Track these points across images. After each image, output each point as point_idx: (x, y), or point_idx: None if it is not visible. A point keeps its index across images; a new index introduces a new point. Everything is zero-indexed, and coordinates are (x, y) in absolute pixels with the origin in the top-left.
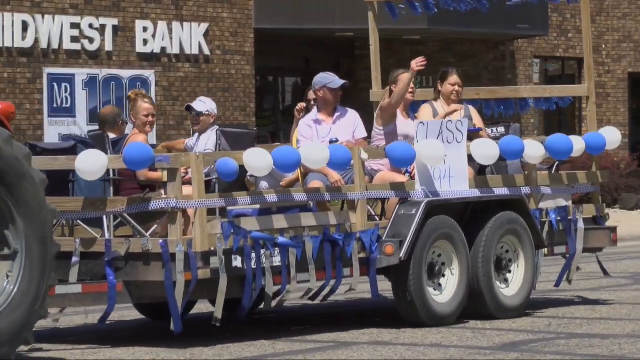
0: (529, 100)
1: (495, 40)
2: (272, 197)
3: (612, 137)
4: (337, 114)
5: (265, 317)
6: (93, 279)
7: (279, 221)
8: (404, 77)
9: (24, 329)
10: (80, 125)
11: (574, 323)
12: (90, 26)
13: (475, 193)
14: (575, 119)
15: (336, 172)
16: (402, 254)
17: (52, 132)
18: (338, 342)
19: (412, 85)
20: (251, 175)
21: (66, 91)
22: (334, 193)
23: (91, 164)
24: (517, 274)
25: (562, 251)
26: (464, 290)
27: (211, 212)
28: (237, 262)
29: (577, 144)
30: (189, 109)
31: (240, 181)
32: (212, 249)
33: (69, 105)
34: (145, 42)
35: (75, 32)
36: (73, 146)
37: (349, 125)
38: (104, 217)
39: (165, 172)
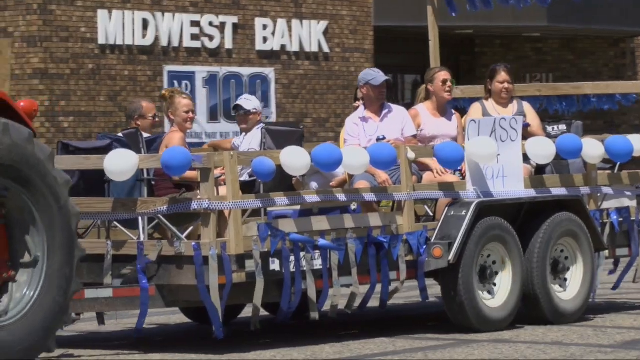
0: (591, 97)
1: (615, 37)
2: (312, 198)
3: None
4: (384, 111)
5: (384, 316)
6: (126, 282)
7: (320, 223)
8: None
9: (45, 336)
10: (201, 123)
11: None
12: (210, 24)
13: (530, 193)
14: None
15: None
16: (450, 256)
17: None
18: (458, 340)
19: (449, 84)
20: (302, 175)
21: (186, 88)
22: (379, 193)
23: (120, 164)
24: (575, 277)
25: (625, 253)
26: (518, 294)
27: (256, 213)
28: (274, 265)
29: (638, 144)
30: (237, 107)
31: (287, 181)
32: (249, 251)
33: None
34: (264, 39)
35: (196, 30)
36: (108, 145)
37: (397, 122)
38: (139, 218)
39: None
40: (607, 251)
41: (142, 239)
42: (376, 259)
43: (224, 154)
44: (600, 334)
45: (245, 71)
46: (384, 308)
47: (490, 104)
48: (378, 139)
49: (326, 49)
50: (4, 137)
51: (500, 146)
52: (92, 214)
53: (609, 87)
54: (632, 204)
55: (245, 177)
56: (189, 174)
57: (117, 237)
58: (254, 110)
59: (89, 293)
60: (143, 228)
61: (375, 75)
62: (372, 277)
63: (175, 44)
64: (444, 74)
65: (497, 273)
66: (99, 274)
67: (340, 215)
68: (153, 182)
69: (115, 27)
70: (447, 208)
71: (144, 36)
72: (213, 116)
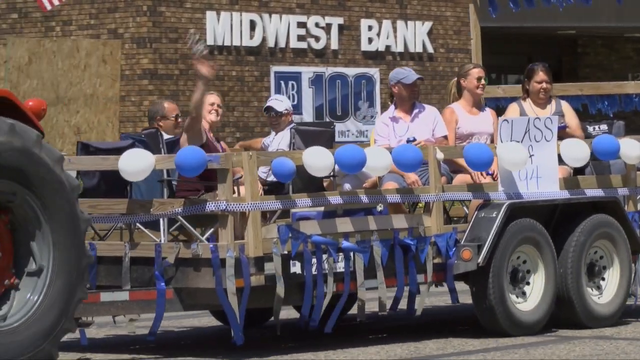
0: (634, 97)
1: None
2: (335, 199)
3: None
4: (415, 111)
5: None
6: (143, 285)
7: (344, 224)
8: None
9: (47, 343)
10: None
11: None
12: (316, 25)
13: (564, 195)
14: None
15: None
16: (480, 259)
17: None
18: (560, 337)
19: (482, 82)
20: (334, 176)
21: (293, 89)
22: (407, 195)
23: (134, 164)
24: (612, 281)
25: None
26: (551, 297)
27: (285, 215)
28: (295, 267)
29: None
30: (268, 109)
31: (317, 182)
32: (269, 254)
33: (295, 102)
34: (370, 40)
35: (302, 31)
36: (130, 145)
37: (428, 123)
38: (161, 220)
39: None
40: None
41: (162, 241)
42: (403, 261)
43: (243, 154)
44: None
45: (351, 71)
46: (412, 314)
47: (527, 104)
48: (408, 141)
49: (430, 50)
50: (10, 138)
51: (535, 146)
52: (109, 217)
53: None
54: None
55: (273, 177)
56: None
57: (142, 239)
58: (285, 111)
59: (105, 296)
60: (164, 230)
61: (407, 74)
62: (400, 280)
63: (282, 44)
64: (478, 71)
65: (529, 276)
66: (117, 276)
67: (364, 217)
68: (174, 183)
69: (223, 28)
70: (477, 209)
71: (251, 37)
72: (319, 116)
